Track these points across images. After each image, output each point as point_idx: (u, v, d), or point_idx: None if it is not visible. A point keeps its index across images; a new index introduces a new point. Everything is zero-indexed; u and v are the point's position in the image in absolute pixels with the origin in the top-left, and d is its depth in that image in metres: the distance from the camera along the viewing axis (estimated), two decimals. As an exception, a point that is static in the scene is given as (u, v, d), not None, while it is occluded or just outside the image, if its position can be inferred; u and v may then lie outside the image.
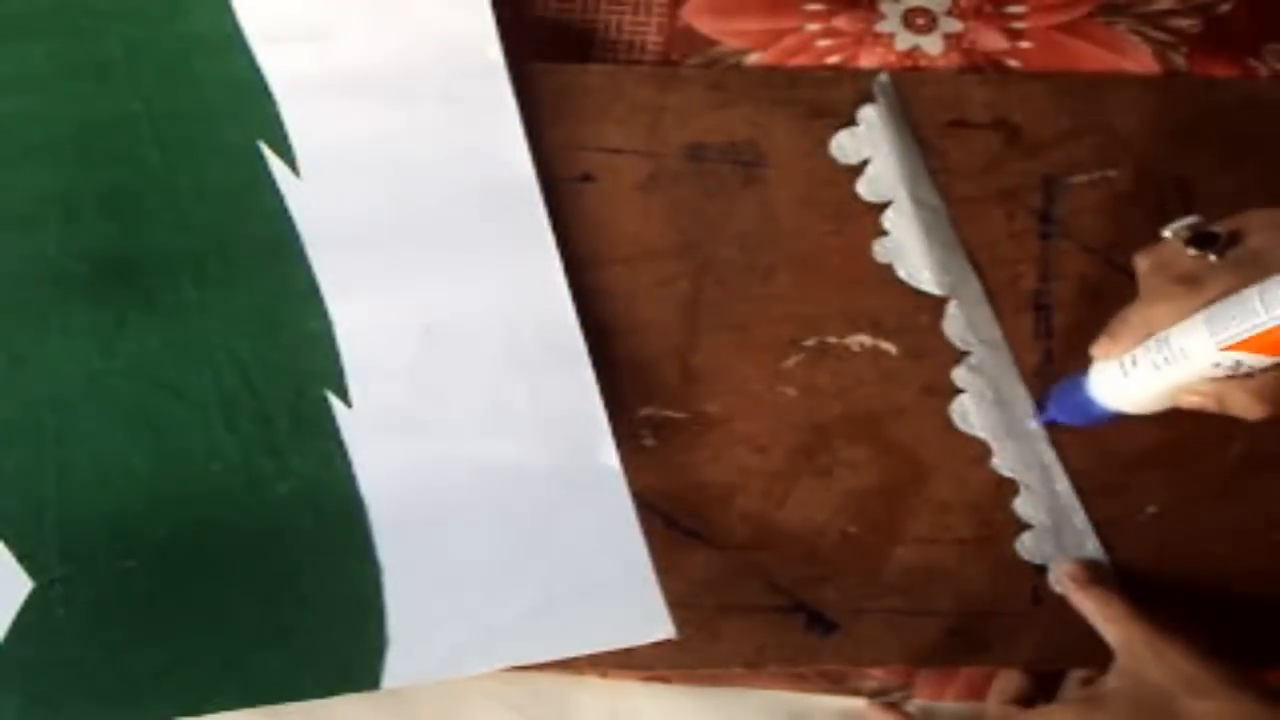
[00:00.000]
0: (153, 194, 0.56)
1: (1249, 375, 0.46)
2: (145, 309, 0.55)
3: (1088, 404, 0.52)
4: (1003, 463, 0.56)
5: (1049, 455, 0.56)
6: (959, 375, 0.56)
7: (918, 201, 0.57)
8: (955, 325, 0.57)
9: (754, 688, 0.56)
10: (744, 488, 0.56)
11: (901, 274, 0.57)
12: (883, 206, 0.58)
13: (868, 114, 0.59)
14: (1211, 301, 0.46)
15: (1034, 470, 0.55)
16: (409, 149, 0.57)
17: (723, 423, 0.56)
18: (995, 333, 0.57)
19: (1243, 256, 0.48)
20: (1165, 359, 0.47)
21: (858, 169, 0.59)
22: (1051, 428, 0.56)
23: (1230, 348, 0.44)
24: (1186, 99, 0.60)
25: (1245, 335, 0.43)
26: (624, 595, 0.52)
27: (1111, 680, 0.49)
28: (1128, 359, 0.49)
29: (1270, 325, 0.43)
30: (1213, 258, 0.48)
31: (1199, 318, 0.46)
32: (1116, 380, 0.50)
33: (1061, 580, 0.54)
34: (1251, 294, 0.44)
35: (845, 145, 0.59)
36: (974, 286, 0.57)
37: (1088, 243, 0.58)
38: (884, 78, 0.60)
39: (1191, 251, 0.48)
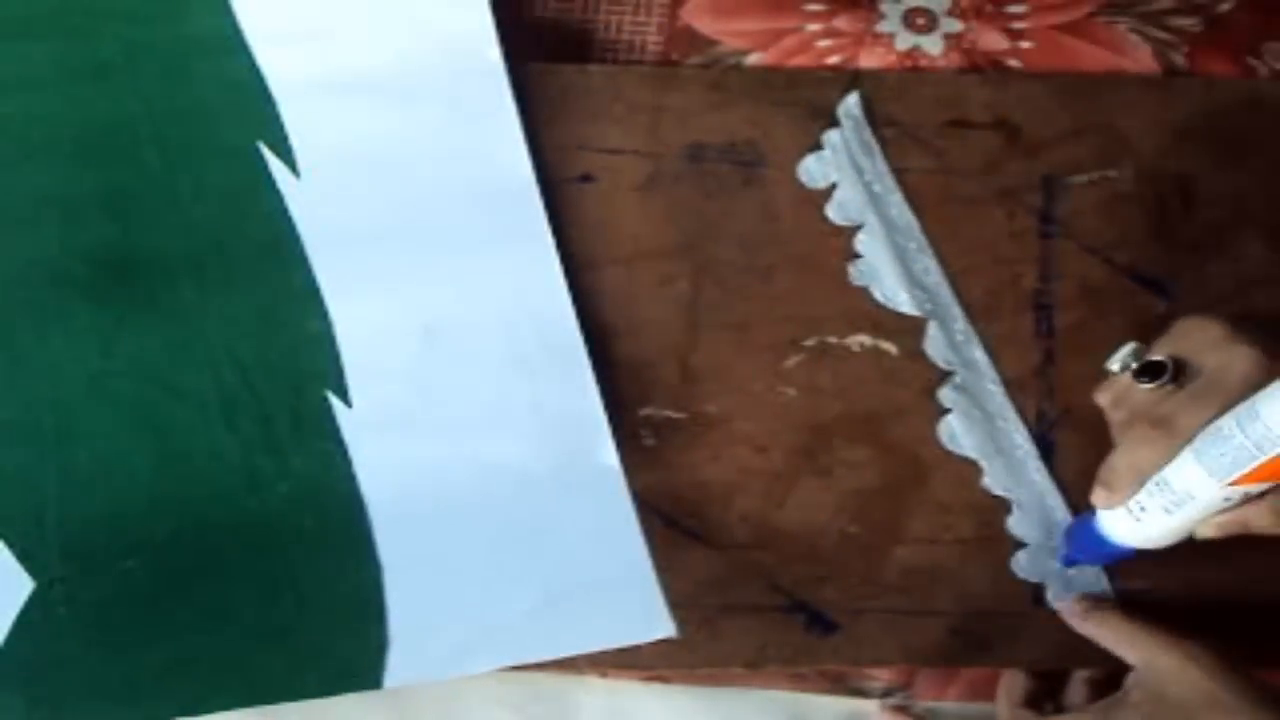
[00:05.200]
0: (153, 195, 0.56)
1: (1260, 496, 0.46)
2: (145, 309, 0.55)
3: (1105, 544, 0.51)
4: (994, 482, 0.55)
5: (1040, 473, 0.55)
6: (944, 395, 0.56)
7: (889, 224, 0.57)
8: (936, 346, 0.57)
9: (754, 688, 0.56)
10: (744, 488, 0.56)
11: (878, 296, 0.57)
12: (854, 229, 0.58)
13: (832, 138, 0.59)
14: (1190, 438, 0.46)
15: (1025, 488, 0.55)
16: (408, 150, 0.57)
17: (723, 423, 0.56)
18: (977, 352, 0.56)
19: (1200, 387, 0.48)
20: (1174, 503, 0.47)
21: (826, 193, 0.59)
22: (1043, 440, 0.56)
23: (1236, 483, 0.45)
24: (1186, 99, 0.60)
25: (1244, 468, 0.44)
26: (624, 595, 0.52)
27: (1131, 695, 0.49)
28: (1134, 505, 0.49)
29: (1264, 459, 0.43)
30: (1169, 387, 0.49)
31: (1189, 457, 0.46)
32: (1130, 525, 0.49)
33: (1069, 620, 0.53)
34: (1230, 425, 0.44)
35: (812, 170, 0.59)
36: (953, 306, 0.57)
37: (1088, 243, 0.58)
38: (852, 99, 0.59)
39: (1146, 385, 0.49)
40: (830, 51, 0.62)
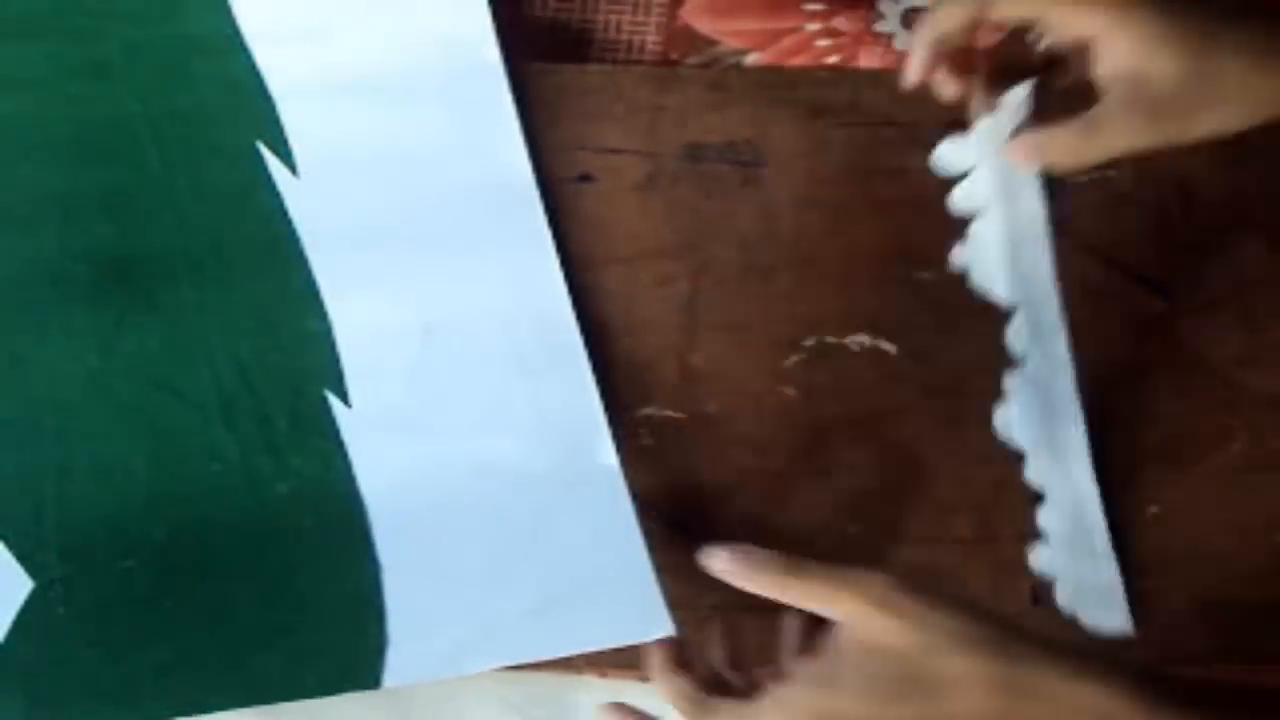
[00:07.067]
0: (151, 195, 0.57)
1: None
2: (144, 309, 0.55)
3: None
4: (1036, 474, 0.54)
5: (1085, 472, 0.54)
6: (1010, 382, 0.54)
7: (1015, 211, 0.54)
8: (1018, 335, 0.54)
9: (754, 688, 0.56)
10: (744, 488, 0.56)
11: (976, 281, 0.54)
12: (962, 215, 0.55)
13: (985, 124, 0.54)
14: None
15: (1063, 485, 0.54)
16: (407, 149, 0.57)
17: (723, 423, 0.56)
18: (1060, 346, 0.54)
19: None
20: None
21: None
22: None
23: None
24: (1186, 98, 0.60)
25: None
26: (623, 594, 0.52)
27: (842, 653, 0.42)
28: None
29: None
30: None
31: None
32: None
33: (735, 579, 0.44)
34: None
35: (948, 156, 0.55)
36: (1052, 296, 0.54)
37: (1088, 243, 0.58)
38: (1023, 90, 0.53)
39: None
40: (829, 51, 0.62)
